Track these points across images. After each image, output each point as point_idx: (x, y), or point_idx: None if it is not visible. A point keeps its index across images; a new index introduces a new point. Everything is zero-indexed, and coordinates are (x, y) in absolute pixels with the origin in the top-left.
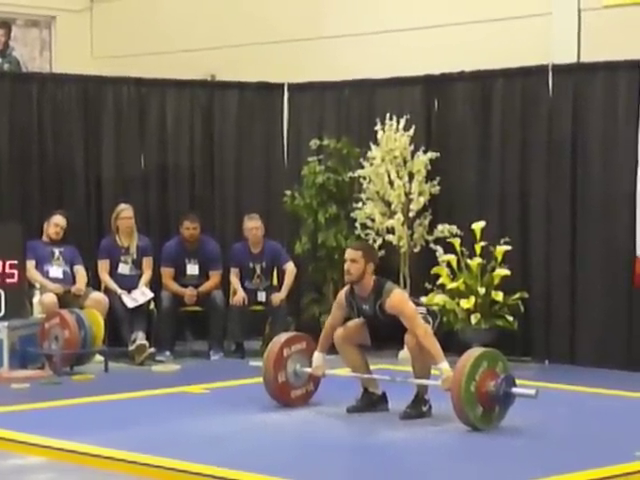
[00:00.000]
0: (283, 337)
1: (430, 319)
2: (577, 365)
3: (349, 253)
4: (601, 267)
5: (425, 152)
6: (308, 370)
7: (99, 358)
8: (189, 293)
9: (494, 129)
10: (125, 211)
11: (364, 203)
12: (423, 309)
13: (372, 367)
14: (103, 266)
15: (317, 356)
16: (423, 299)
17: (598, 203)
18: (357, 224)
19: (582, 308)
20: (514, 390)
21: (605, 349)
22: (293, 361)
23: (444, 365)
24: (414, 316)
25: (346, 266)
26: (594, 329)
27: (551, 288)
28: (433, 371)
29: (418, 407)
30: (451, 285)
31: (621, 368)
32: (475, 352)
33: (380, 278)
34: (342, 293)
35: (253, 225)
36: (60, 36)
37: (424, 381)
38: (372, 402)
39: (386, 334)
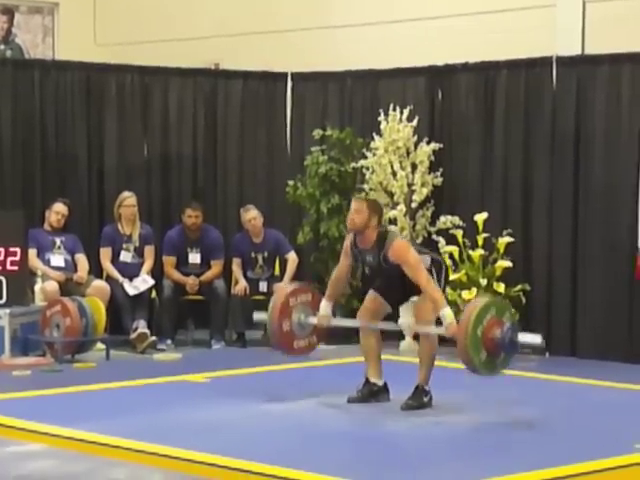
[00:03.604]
0: (290, 287)
1: (434, 270)
2: (578, 357)
3: (354, 203)
4: (603, 260)
5: (428, 143)
6: (313, 321)
7: (100, 346)
8: (191, 282)
9: (497, 121)
10: (128, 199)
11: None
12: (427, 258)
13: None
14: (105, 254)
15: (324, 305)
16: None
17: (601, 195)
18: None
19: (583, 300)
20: (520, 338)
21: (606, 341)
22: (298, 311)
23: (447, 311)
24: (417, 264)
25: (350, 216)
26: (595, 321)
27: (553, 280)
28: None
29: (419, 398)
30: (453, 276)
31: (622, 361)
32: (484, 299)
33: (383, 229)
34: (347, 241)
35: (250, 216)
36: (63, 23)
37: (428, 328)
38: (373, 392)
39: (396, 289)
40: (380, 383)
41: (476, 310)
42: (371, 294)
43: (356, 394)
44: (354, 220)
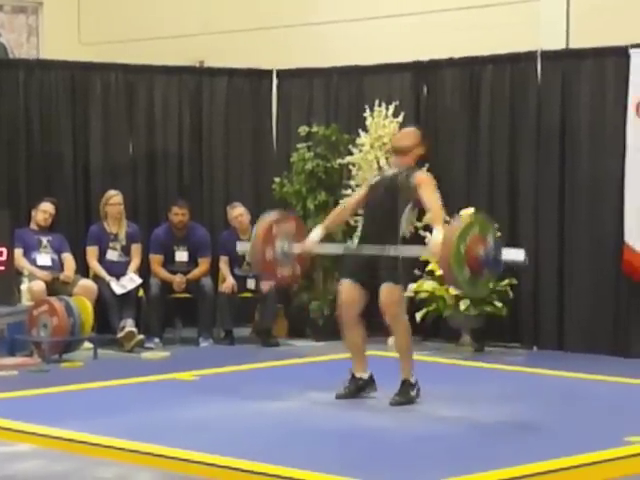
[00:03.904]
0: (273, 215)
1: None
2: (565, 351)
3: (409, 130)
4: (589, 253)
5: None
6: (296, 249)
7: (88, 345)
8: (178, 280)
9: (483, 115)
10: (114, 197)
11: (353, 190)
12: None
13: None
14: (92, 253)
15: (316, 230)
16: (412, 286)
17: (586, 189)
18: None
19: (570, 294)
20: (503, 256)
21: (593, 335)
22: (281, 240)
23: (440, 229)
24: (433, 188)
25: (399, 136)
26: (582, 315)
27: (540, 274)
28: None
29: (406, 393)
30: (440, 272)
31: (609, 354)
32: (467, 217)
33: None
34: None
35: (237, 213)
36: (47, 22)
37: (412, 249)
38: (360, 387)
39: (385, 229)
40: (365, 376)
41: (459, 228)
42: (346, 283)
43: (343, 390)
44: (403, 140)
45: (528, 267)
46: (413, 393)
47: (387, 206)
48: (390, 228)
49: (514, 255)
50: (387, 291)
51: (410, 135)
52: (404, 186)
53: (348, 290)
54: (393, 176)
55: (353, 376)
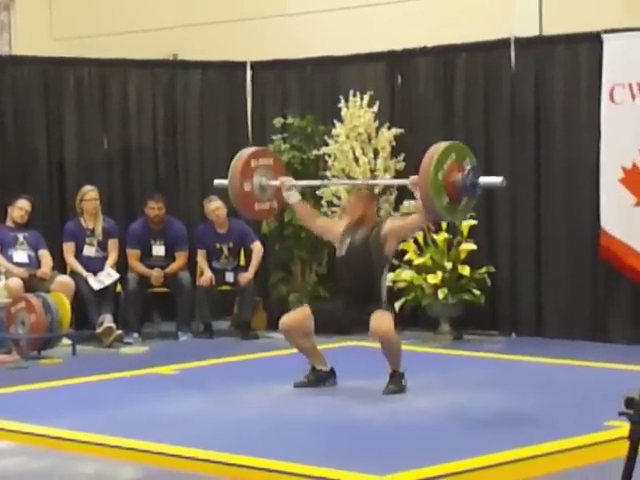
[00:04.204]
0: (250, 150)
1: None
2: (544, 337)
3: (356, 197)
4: (566, 239)
5: (389, 128)
6: (274, 182)
7: (66, 342)
8: (155, 274)
9: (457, 103)
10: (90, 192)
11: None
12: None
13: (342, 344)
14: (68, 249)
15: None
16: (391, 275)
17: (562, 176)
18: (323, 202)
19: (548, 280)
20: (481, 180)
21: (571, 321)
22: (259, 174)
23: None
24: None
25: (352, 209)
26: (560, 301)
27: (517, 261)
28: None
29: (398, 382)
30: (418, 261)
31: (587, 339)
32: (443, 144)
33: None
34: (339, 220)
35: (214, 206)
36: (19, 18)
37: (394, 181)
38: (320, 378)
39: (361, 288)
40: (326, 369)
41: (436, 155)
42: (304, 308)
43: (303, 379)
44: (355, 211)
45: (505, 254)
46: (404, 382)
47: (364, 274)
48: (371, 294)
49: (492, 179)
50: (378, 317)
51: (358, 203)
52: (376, 242)
53: (302, 311)
54: (362, 234)
55: (314, 368)
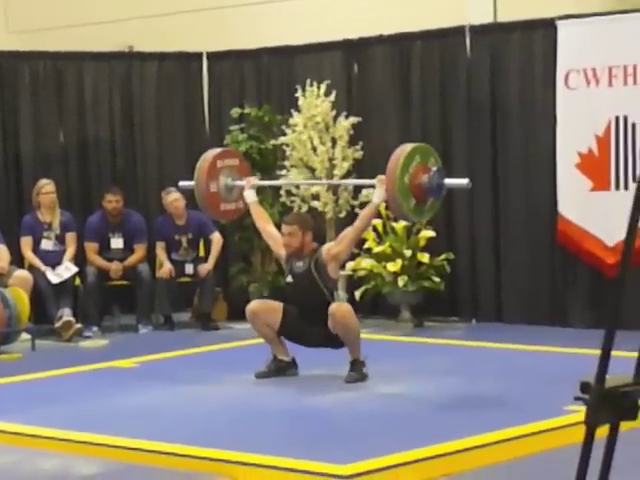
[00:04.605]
0: (216, 150)
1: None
2: (504, 323)
3: (285, 228)
4: (524, 225)
5: (347, 117)
6: (240, 182)
7: (25, 336)
8: (114, 267)
9: (414, 91)
10: (46, 186)
11: (288, 170)
12: None
13: None
14: (26, 243)
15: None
16: (350, 264)
17: (519, 162)
18: (282, 191)
19: (507, 266)
20: (446, 182)
21: (531, 306)
22: (225, 175)
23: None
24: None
25: (285, 240)
26: (519, 286)
27: (476, 247)
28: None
29: (360, 370)
30: (377, 249)
31: (547, 324)
32: (407, 147)
33: (318, 245)
34: (279, 250)
35: (172, 198)
36: None
37: (360, 181)
38: (281, 368)
39: (314, 311)
40: (287, 359)
41: (401, 159)
42: (278, 304)
43: (265, 368)
44: (290, 244)
45: (464, 240)
46: (364, 370)
47: (316, 297)
48: (326, 312)
49: (458, 181)
50: (338, 304)
51: (295, 236)
52: (319, 268)
53: (274, 305)
54: (303, 265)
55: (275, 357)
